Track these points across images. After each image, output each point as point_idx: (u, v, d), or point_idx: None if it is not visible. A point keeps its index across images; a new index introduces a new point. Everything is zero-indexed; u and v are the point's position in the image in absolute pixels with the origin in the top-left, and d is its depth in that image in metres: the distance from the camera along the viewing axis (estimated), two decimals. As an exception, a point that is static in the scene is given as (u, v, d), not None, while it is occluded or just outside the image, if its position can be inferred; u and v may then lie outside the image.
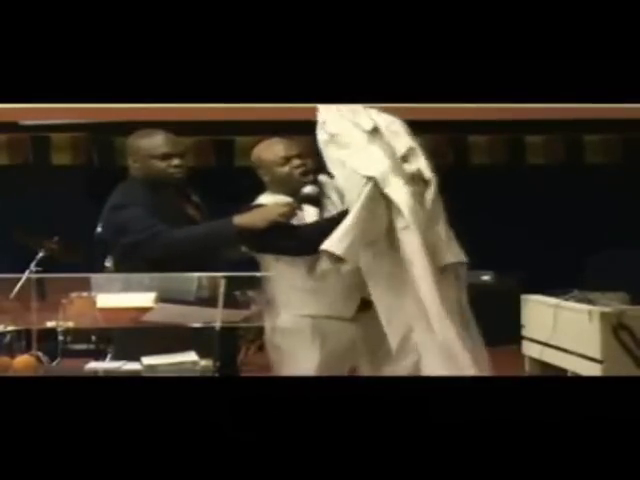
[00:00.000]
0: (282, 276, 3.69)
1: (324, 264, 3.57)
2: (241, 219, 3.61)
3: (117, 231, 3.64)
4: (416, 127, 3.82)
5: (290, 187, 3.78)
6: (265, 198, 3.82)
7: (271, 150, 3.84)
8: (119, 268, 3.76)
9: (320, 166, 3.82)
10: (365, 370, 3.75)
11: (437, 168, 3.78)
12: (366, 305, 3.69)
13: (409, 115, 3.93)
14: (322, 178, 3.83)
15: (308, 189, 3.75)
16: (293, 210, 3.65)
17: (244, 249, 3.83)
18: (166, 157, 3.71)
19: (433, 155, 3.83)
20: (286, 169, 3.78)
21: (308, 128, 3.83)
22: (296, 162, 3.79)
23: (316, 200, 3.77)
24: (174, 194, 3.75)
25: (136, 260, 3.58)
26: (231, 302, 3.55)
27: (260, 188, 3.88)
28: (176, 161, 3.72)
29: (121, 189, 3.75)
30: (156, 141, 3.73)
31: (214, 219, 3.77)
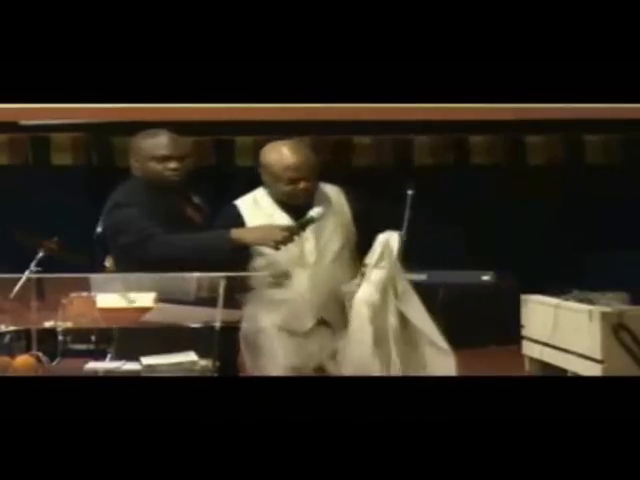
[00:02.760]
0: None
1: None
2: (238, 234, 3.59)
3: (114, 231, 3.64)
4: (416, 127, 3.82)
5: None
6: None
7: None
8: (117, 267, 3.76)
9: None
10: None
11: (437, 168, 3.78)
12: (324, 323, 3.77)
13: (409, 115, 3.94)
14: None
15: (315, 211, 3.69)
16: (292, 236, 3.61)
17: None
18: (164, 159, 3.69)
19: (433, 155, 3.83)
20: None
21: (308, 128, 3.83)
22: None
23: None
24: (174, 195, 3.75)
25: (130, 261, 3.58)
26: (231, 302, 3.55)
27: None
28: (173, 164, 3.70)
29: (122, 188, 3.75)
30: (158, 142, 3.72)
31: (214, 220, 3.77)
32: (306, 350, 3.74)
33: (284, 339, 3.73)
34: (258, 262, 3.73)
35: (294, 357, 3.73)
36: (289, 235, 3.60)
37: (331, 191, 3.87)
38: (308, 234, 3.72)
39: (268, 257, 3.68)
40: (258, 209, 3.78)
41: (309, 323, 3.75)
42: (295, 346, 3.74)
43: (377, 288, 3.64)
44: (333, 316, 3.76)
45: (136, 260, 3.56)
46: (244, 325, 3.79)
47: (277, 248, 3.60)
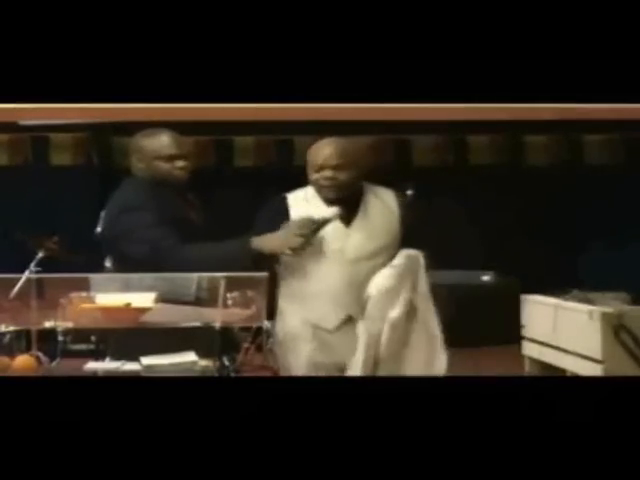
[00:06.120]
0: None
1: None
2: (260, 244, 3.57)
3: (123, 238, 3.62)
4: (416, 127, 3.82)
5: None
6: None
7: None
8: (118, 269, 3.75)
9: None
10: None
11: (437, 168, 3.78)
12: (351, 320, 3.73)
13: (409, 115, 3.93)
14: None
15: (329, 212, 3.67)
16: (308, 241, 3.59)
17: None
18: (171, 158, 3.69)
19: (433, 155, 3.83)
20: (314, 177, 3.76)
21: (308, 128, 3.83)
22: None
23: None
24: (175, 196, 3.74)
25: (140, 268, 3.56)
26: (231, 302, 3.55)
27: (259, 188, 3.87)
28: (180, 163, 3.70)
29: (125, 190, 3.73)
30: (162, 142, 3.72)
31: (212, 219, 3.76)
32: (331, 347, 3.72)
33: (310, 335, 3.73)
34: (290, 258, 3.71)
35: (319, 354, 3.72)
36: (305, 241, 3.59)
37: (383, 193, 3.84)
38: (353, 231, 3.71)
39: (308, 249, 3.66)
40: (307, 207, 3.74)
41: (336, 320, 3.73)
42: (320, 343, 3.72)
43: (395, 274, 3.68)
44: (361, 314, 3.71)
45: (148, 268, 3.54)
46: (275, 322, 3.82)
47: (294, 255, 3.61)
